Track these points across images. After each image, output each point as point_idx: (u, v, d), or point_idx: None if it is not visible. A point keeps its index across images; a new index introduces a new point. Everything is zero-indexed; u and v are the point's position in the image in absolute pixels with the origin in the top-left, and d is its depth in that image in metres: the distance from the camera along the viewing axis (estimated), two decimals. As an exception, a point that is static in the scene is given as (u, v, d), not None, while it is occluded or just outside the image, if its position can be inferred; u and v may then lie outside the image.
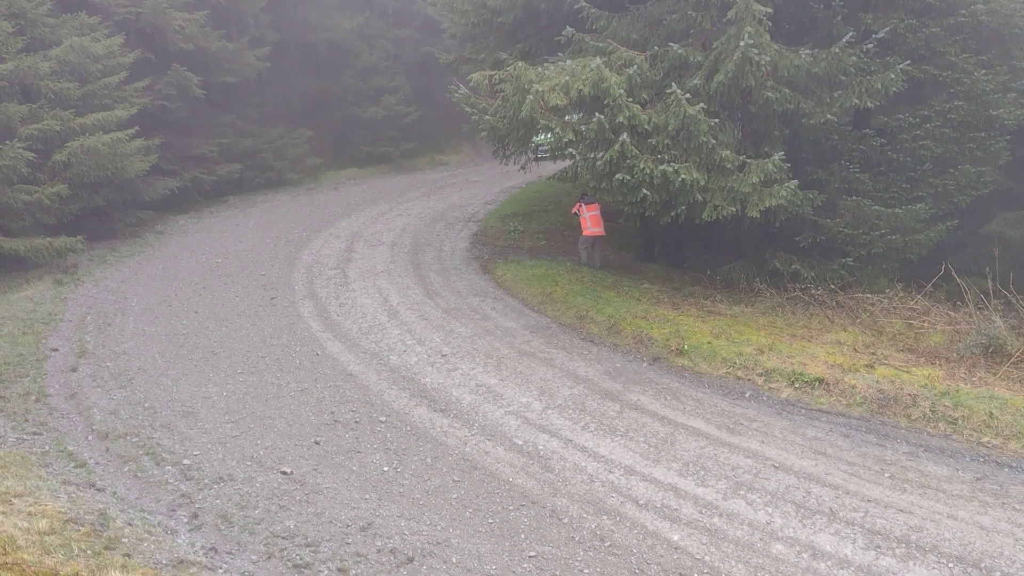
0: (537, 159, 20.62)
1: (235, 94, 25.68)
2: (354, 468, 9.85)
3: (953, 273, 14.91)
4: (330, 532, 8.47)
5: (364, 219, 22.20)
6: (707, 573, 8.02)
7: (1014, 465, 10.18)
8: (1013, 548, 8.45)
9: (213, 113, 24.75)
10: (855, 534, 8.67)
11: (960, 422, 11.05)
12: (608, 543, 8.50)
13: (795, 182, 14.21)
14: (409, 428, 10.99)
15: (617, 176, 14.01)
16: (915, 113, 16.14)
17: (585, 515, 9.01)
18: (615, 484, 9.67)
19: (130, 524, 8.28)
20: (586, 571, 8.01)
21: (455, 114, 22.67)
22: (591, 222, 18.20)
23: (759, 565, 8.16)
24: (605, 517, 8.98)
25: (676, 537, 8.62)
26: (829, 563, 8.18)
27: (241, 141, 25.27)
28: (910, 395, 11.66)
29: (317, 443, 10.42)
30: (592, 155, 14.60)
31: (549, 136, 17.51)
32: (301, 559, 7.98)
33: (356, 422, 11.07)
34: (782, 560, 8.24)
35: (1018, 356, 12.93)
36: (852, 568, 8.10)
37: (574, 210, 18.52)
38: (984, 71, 16.45)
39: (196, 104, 23.34)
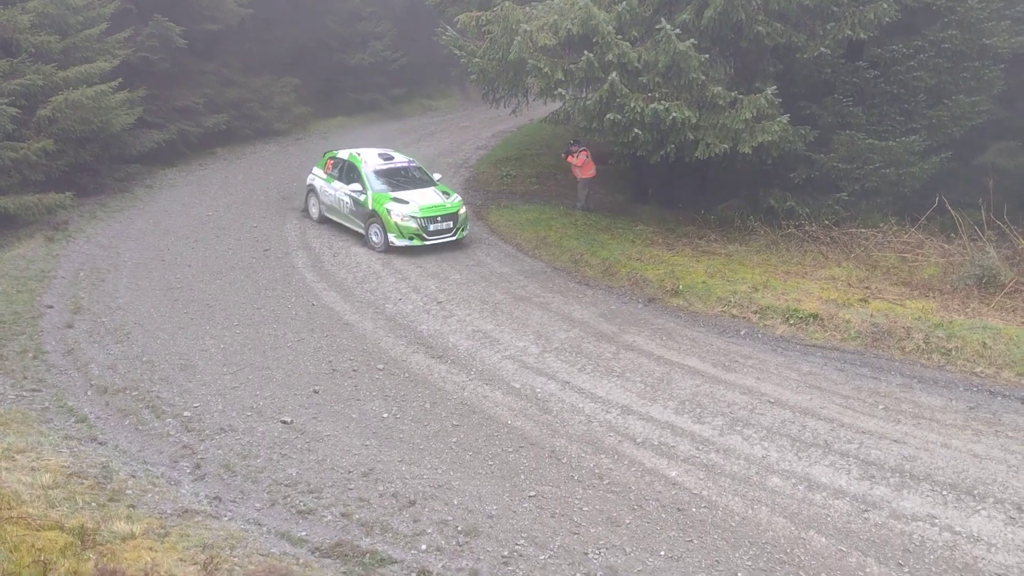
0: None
1: (218, 43, 25.13)
2: (354, 415, 9.93)
3: (947, 205, 14.87)
4: (332, 478, 8.57)
5: (355, 168, 22.01)
6: (704, 507, 8.15)
7: (1007, 393, 10.31)
8: (1006, 475, 8.59)
9: (197, 63, 24.24)
10: (850, 465, 8.81)
11: (953, 353, 11.16)
12: (607, 481, 8.62)
13: (787, 117, 14.07)
14: (407, 375, 11.04)
15: (608, 115, 13.86)
16: (908, 44, 15.90)
17: (584, 455, 9.12)
18: (613, 424, 9.78)
19: (133, 476, 8.36)
20: (585, 509, 8.13)
21: (444, 58, 22.31)
22: (592, 165, 18.06)
23: (755, 498, 8.29)
24: (603, 456, 9.09)
25: (674, 473, 8.74)
26: (824, 494, 8.32)
27: (226, 91, 24.82)
28: (904, 328, 11.74)
29: (316, 392, 10.48)
30: (582, 95, 14.42)
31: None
32: (305, 505, 8.08)
33: (354, 370, 11.12)
34: (778, 492, 8.38)
35: (1011, 286, 12.98)
36: (847, 498, 8.24)
37: (580, 160, 17.97)
38: (978, -2, 16.19)
39: (179, 54, 22.85)
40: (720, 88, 13.93)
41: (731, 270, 14.27)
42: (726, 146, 13.93)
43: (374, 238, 15.94)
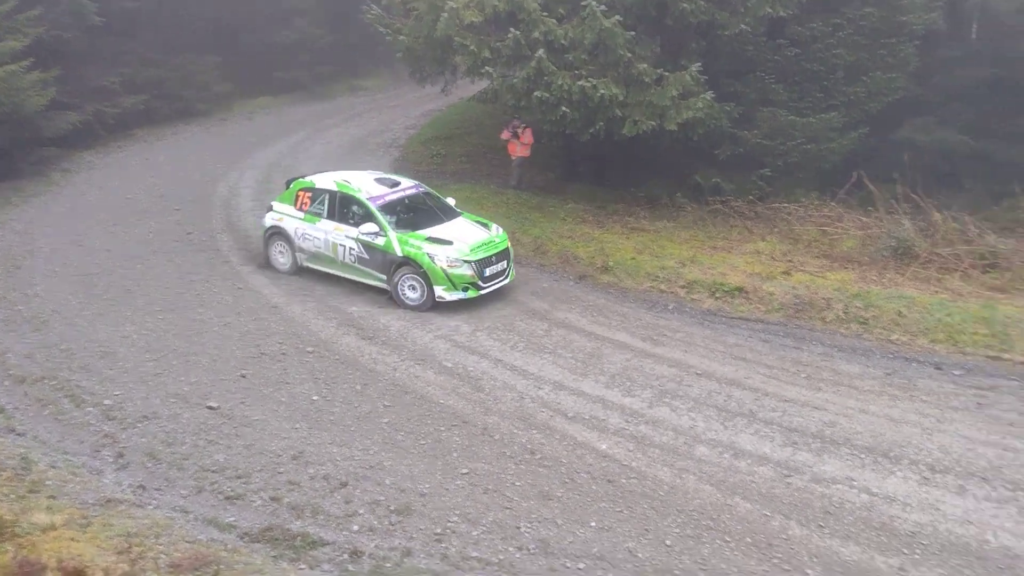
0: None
1: (136, 20, 24.29)
2: (283, 399, 9.79)
3: (865, 180, 15.34)
4: (261, 463, 8.45)
5: (281, 149, 21.60)
6: (634, 478, 8.29)
7: (921, 359, 10.73)
8: (920, 437, 8.94)
9: (114, 42, 23.38)
10: (774, 433, 9.06)
11: (871, 322, 11.55)
12: (539, 456, 8.69)
13: (711, 94, 14.27)
14: (337, 357, 10.93)
15: (536, 93, 13.88)
16: (827, 22, 16.21)
17: (516, 431, 9.17)
18: (544, 399, 9.86)
19: (53, 467, 8.12)
20: (518, 484, 8.19)
21: (371, 36, 21.94)
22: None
23: (683, 467, 8.47)
24: (535, 431, 9.16)
25: (604, 446, 8.86)
26: (749, 461, 8.54)
27: (145, 71, 24.01)
28: (824, 299, 12.09)
29: (243, 376, 10.30)
30: (510, 73, 14.38)
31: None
32: (233, 491, 7.96)
33: (283, 354, 10.95)
34: (705, 461, 8.57)
35: (925, 256, 13.49)
36: (771, 464, 8.48)
37: (530, 138, 17.77)
38: (895, -24, 16.58)
39: (95, 32, 22.00)
40: (646, 65, 14.05)
41: (659, 246, 14.49)
42: (653, 123, 14.06)
43: (410, 293, 12.43)
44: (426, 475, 8.33)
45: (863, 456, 8.60)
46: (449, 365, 10.69)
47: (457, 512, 7.73)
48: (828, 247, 14.43)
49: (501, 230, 13.34)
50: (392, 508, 7.77)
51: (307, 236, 13.35)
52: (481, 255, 12.47)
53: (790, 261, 13.73)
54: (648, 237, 15.00)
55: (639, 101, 13.99)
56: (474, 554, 7.16)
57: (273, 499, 7.85)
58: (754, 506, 7.80)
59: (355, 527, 7.50)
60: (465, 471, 8.42)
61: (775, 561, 6.99)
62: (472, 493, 8.06)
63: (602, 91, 13.51)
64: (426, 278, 12.27)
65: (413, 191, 13.71)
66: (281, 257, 13.78)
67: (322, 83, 29.34)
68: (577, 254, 14.31)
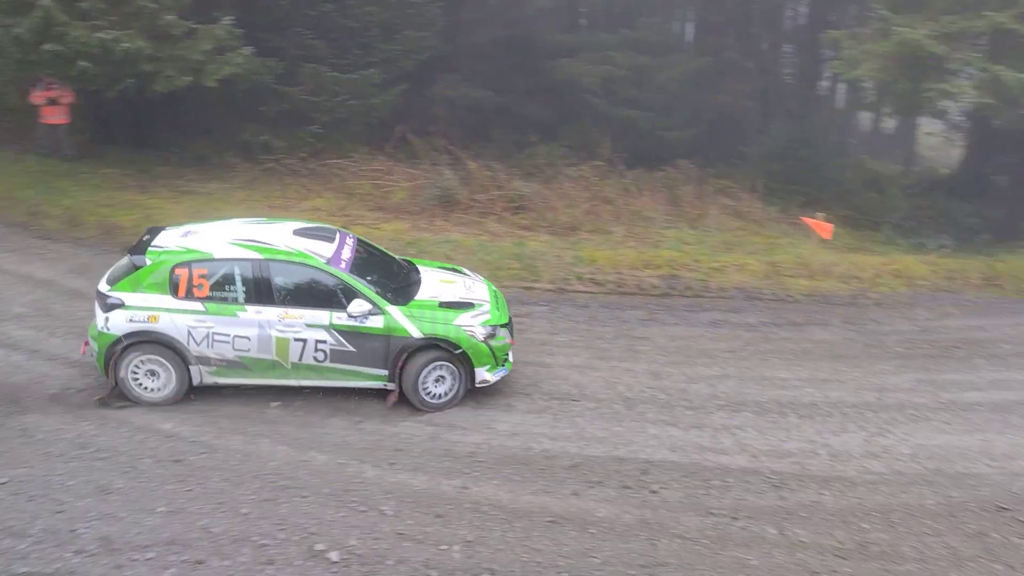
0: None
1: None
2: None
3: (408, 135, 16.27)
4: None
5: None
6: (204, 452, 7.90)
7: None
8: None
9: None
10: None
11: (427, 265, 12.38)
12: (93, 448, 7.88)
13: (250, 49, 13.92)
14: None
15: (47, 47, 12.26)
16: (360, -21, 16.67)
17: (63, 426, 8.23)
18: (92, 385, 8.93)
19: None
20: (70, 483, 7.30)
21: None
22: None
23: (257, 432, 8.31)
24: (87, 423, 8.30)
25: (169, 426, 8.32)
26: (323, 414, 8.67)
27: None
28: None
29: None
30: (11, 23, 12.49)
31: None
32: None
33: None
34: (278, 421, 8.51)
35: (466, 203, 14.84)
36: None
37: (73, 98, 15.34)
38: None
39: None
40: (174, 17, 13.18)
41: (214, 208, 13.88)
42: (189, 78, 13.33)
43: (435, 388, 8.89)
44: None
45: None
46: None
47: (-3, 529, 6.70)
48: (382, 199, 15.12)
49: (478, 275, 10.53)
50: (-101, 545, 6.48)
51: (220, 338, 8.63)
52: (507, 316, 9.48)
53: (347, 215, 14.13)
54: (201, 200, 14.32)
55: (170, 55, 13.12)
56: (23, 570, 6.26)
57: None
58: (329, 457, 7.93)
59: None
60: (4, 480, 7.32)
61: (352, 505, 7.18)
62: (14, 504, 7.03)
63: (125, 44, 12.39)
64: (464, 361, 8.86)
65: (352, 240, 9.65)
66: (151, 379, 8.71)
67: None
68: (119, 223, 13.18)
